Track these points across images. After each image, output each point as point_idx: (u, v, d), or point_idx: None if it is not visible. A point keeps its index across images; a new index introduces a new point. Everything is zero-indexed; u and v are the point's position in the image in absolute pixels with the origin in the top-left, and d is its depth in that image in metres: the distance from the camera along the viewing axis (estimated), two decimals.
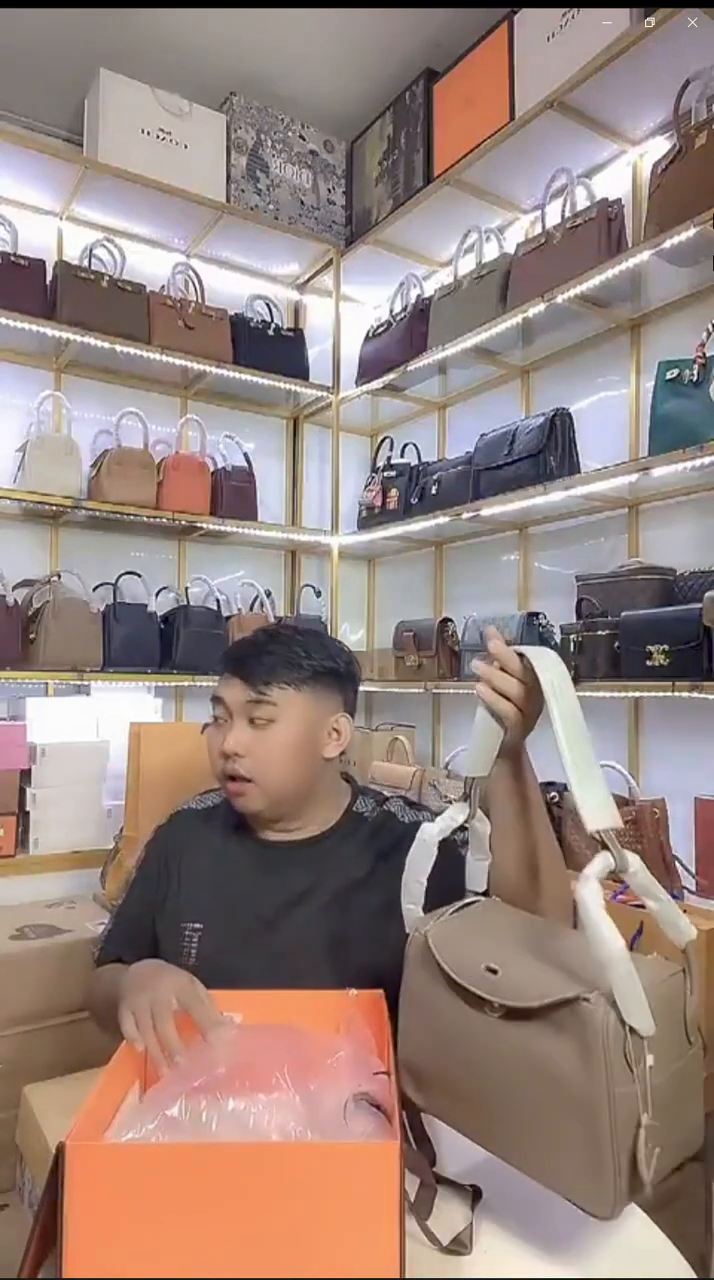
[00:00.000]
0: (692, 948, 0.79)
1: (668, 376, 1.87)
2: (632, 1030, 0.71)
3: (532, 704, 0.92)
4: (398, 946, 0.92)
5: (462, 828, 0.95)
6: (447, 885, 0.96)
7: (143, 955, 1.16)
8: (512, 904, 0.96)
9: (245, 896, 1.17)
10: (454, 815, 0.92)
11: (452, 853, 1.00)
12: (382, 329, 2.82)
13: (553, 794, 2.17)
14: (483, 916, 0.91)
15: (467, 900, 0.93)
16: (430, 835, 0.92)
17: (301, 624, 2.90)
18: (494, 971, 0.80)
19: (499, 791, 0.99)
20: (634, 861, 0.75)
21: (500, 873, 0.98)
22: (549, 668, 0.85)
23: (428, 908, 0.93)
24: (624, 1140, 0.71)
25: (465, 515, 2.42)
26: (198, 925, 1.16)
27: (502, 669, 0.93)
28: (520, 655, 0.91)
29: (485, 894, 0.96)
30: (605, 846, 0.75)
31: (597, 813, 0.76)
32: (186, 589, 2.84)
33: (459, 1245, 0.79)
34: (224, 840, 1.24)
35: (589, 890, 0.72)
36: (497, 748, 0.93)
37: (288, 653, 1.19)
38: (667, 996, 0.76)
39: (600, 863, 0.74)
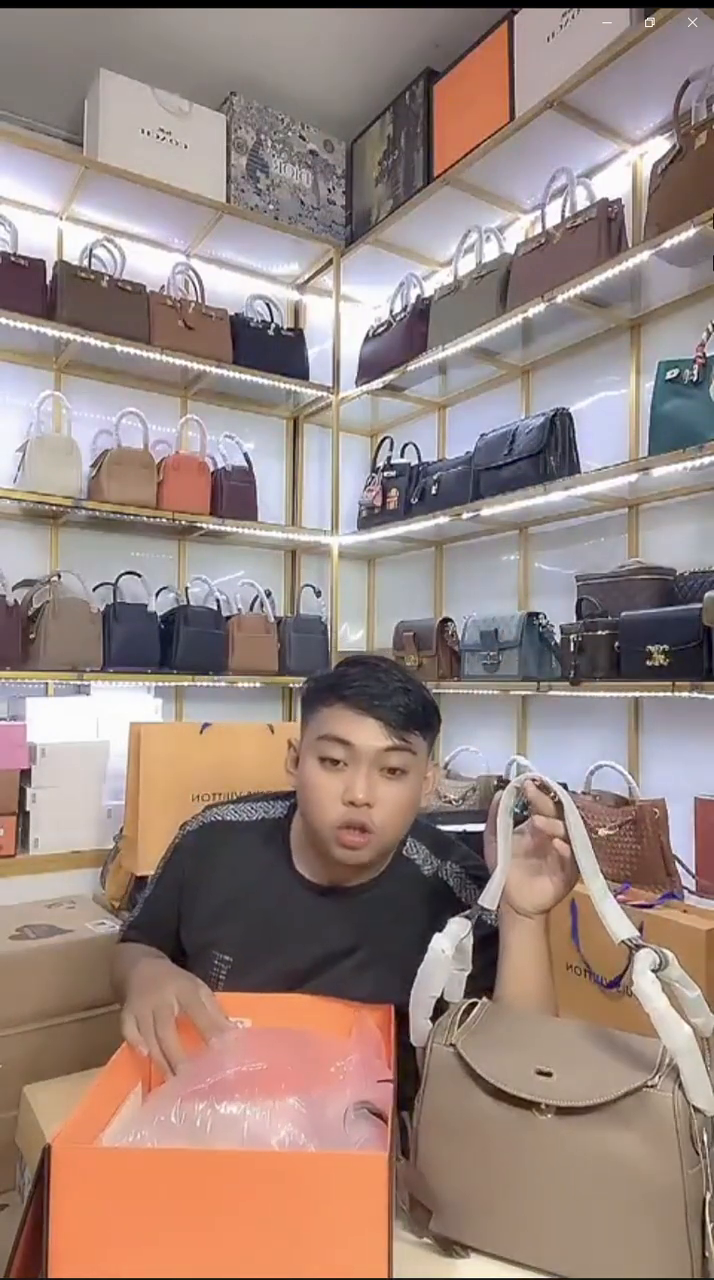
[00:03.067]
0: None
1: (668, 376, 1.87)
2: (696, 1110, 0.72)
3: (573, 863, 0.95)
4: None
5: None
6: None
7: (164, 946, 1.16)
8: None
9: (279, 944, 1.11)
10: (458, 930, 0.91)
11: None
12: (382, 329, 2.82)
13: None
14: (502, 1022, 0.88)
15: (463, 1006, 0.90)
16: (443, 948, 0.89)
17: (301, 624, 2.90)
18: (547, 1075, 0.78)
19: (525, 949, 0.98)
20: (672, 958, 0.79)
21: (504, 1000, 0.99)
22: (575, 823, 0.93)
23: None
24: (695, 1224, 0.71)
25: (465, 515, 2.42)
26: (228, 959, 1.12)
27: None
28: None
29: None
30: (632, 949, 0.80)
31: (619, 926, 0.84)
32: (186, 589, 2.84)
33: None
34: (263, 868, 1.16)
35: (648, 983, 0.75)
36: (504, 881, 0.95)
37: (421, 694, 1.09)
38: None
39: (645, 959, 0.77)
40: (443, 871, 1.17)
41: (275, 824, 1.20)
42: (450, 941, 0.89)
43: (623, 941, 0.82)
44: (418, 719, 1.07)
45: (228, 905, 1.15)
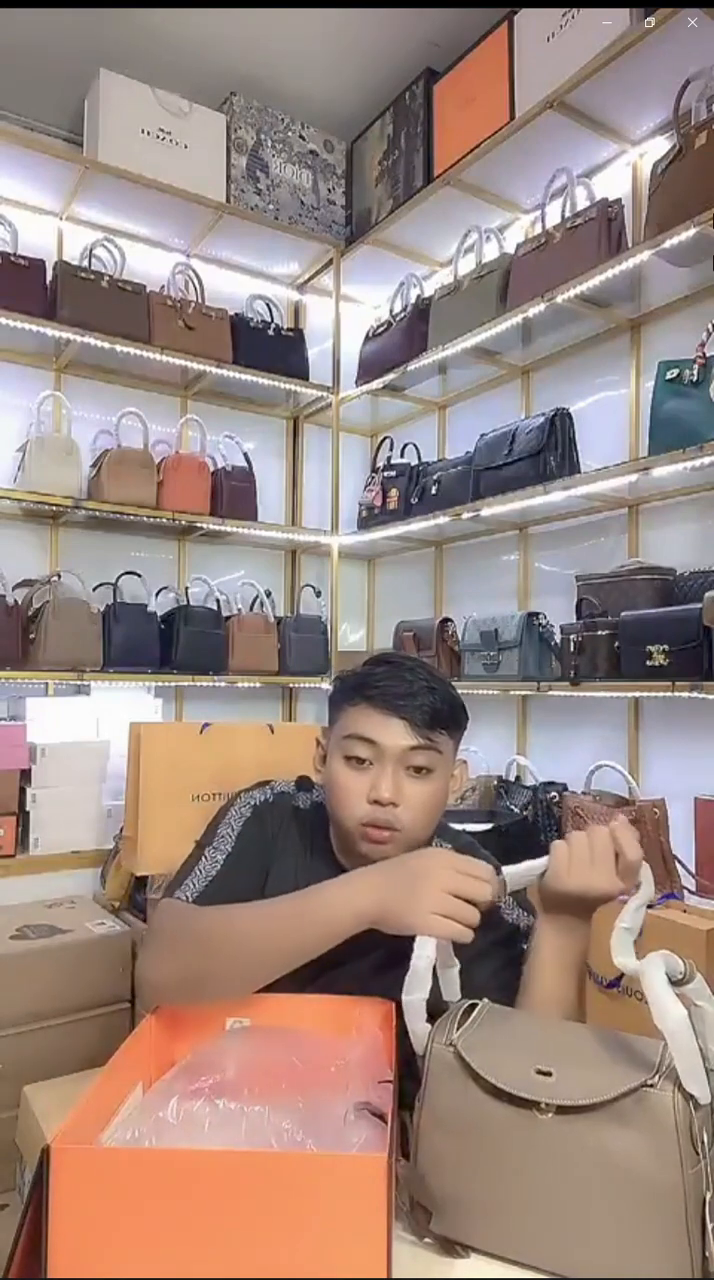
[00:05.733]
0: None
1: (668, 376, 1.87)
2: (694, 1103, 0.72)
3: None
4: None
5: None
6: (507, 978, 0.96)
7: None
8: None
9: None
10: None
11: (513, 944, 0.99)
12: (382, 329, 2.82)
13: (553, 794, 2.17)
14: (502, 1022, 0.88)
15: (463, 1006, 0.89)
16: (427, 954, 0.87)
17: (301, 624, 2.90)
18: (547, 1074, 0.77)
19: (553, 950, 0.97)
20: (700, 976, 0.78)
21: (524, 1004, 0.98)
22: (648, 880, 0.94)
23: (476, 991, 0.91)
24: (695, 1223, 0.71)
25: (465, 515, 2.42)
26: None
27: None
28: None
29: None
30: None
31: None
32: (186, 589, 2.84)
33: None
34: (309, 852, 1.15)
35: (652, 967, 0.74)
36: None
37: (446, 692, 1.09)
38: None
39: (664, 959, 0.76)
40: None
41: (321, 810, 1.19)
42: (433, 944, 0.87)
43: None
44: (444, 718, 1.07)
45: (281, 882, 1.13)
